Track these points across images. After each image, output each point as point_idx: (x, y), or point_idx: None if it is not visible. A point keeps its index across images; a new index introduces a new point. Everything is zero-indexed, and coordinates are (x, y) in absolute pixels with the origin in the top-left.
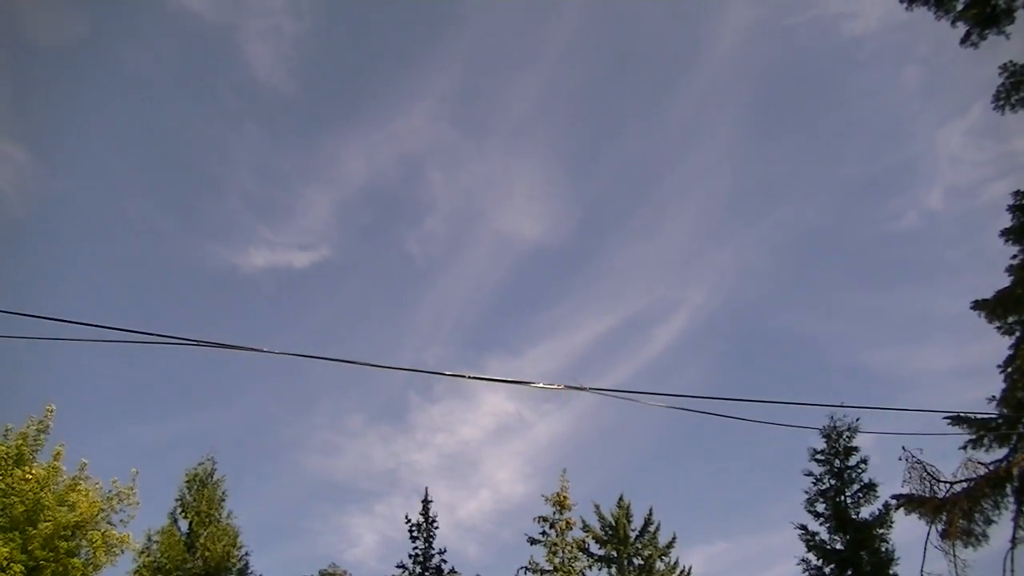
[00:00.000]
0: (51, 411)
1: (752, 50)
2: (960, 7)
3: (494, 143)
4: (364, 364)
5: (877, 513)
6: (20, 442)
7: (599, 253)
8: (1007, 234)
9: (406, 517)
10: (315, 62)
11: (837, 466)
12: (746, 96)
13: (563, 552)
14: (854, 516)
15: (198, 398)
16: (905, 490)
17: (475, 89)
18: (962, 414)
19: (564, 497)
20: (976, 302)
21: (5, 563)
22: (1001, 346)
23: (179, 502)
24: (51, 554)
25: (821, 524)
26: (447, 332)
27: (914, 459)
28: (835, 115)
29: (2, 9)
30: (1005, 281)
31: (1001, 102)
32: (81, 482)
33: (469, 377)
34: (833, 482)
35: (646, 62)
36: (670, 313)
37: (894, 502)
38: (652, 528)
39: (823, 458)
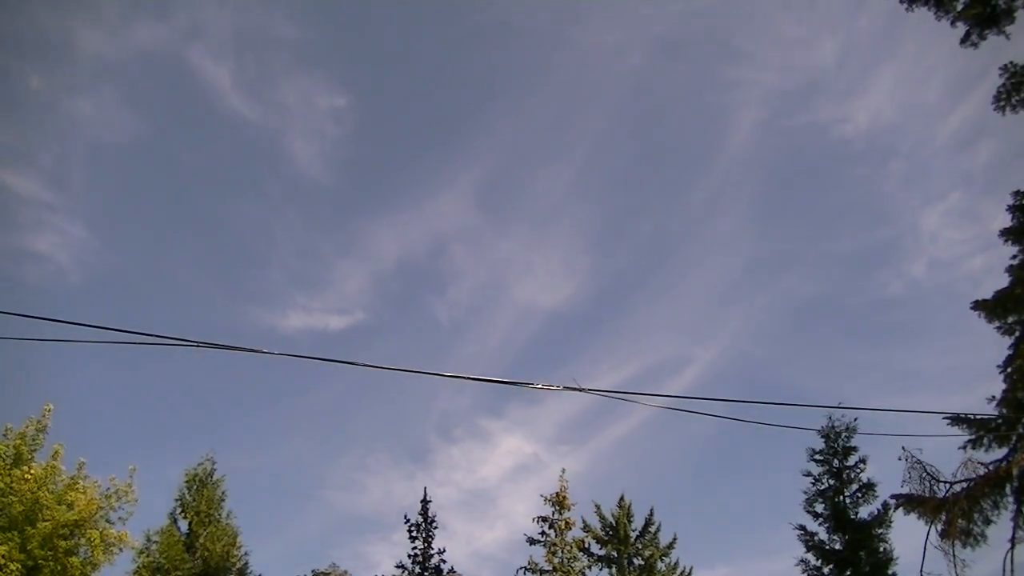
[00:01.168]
0: (49, 410)
1: (761, 145)
2: (960, 7)
3: (519, 227)
4: (364, 365)
5: (876, 513)
6: (19, 442)
7: (617, 315)
8: (1007, 234)
9: (405, 517)
10: (353, 158)
11: (836, 466)
12: (756, 183)
13: (562, 552)
14: (853, 516)
15: (247, 443)
16: (905, 490)
17: (504, 178)
18: (962, 414)
19: (563, 497)
20: (976, 302)
21: (4, 562)
22: (1001, 346)
23: (179, 502)
24: (50, 553)
25: (820, 524)
26: (472, 385)
27: (914, 459)
28: (831, 200)
29: (75, 113)
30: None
31: (1001, 103)
32: (80, 481)
33: (469, 378)
34: (832, 482)
35: (670, 154)
36: (682, 367)
37: (893, 502)
38: (653, 528)
39: (822, 458)
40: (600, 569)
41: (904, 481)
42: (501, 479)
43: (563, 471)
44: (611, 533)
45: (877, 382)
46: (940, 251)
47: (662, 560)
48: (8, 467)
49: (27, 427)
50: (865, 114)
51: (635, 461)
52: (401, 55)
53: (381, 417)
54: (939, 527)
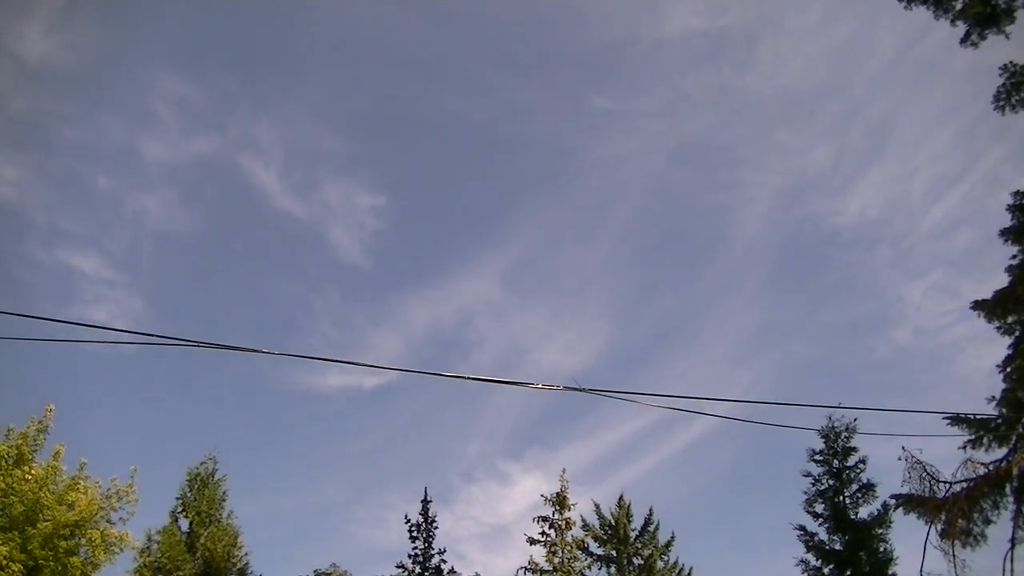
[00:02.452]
0: (50, 411)
1: (766, 232)
2: (959, 6)
3: (541, 304)
4: (363, 364)
5: (876, 513)
6: (20, 442)
7: (635, 373)
8: (1007, 234)
9: (405, 517)
10: (389, 247)
11: (836, 466)
12: (762, 264)
13: (562, 552)
14: (853, 516)
15: (288, 482)
16: (905, 490)
17: (529, 264)
18: (962, 414)
19: (564, 497)
20: (976, 302)
21: (5, 562)
22: (1000, 347)
23: (180, 501)
24: (50, 553)
25: (820, 524)
26: (496, 437)
27: (914, 459)
28: (826, 278)
29: (139, 208)
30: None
31: (1001, 103)
32: (81, 481)
33: (469, 378)
34: (832, 482)
35: (687, 239)
36: (693, 418)
37: (893, 502)
38: (652, 528)
39: (821, 458)
40: (600, 568)
41: (904, 481)
42: (519, 515)
43: (563, 471)
44: (611, 533)
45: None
46: (924, 320)
47: (661, 559)
48: (9, 467)
49: (28, 427)
50: (856, 208)
51: (652, 498)
52: (437, 162)
53: (412, 460)
54: (939, 527)
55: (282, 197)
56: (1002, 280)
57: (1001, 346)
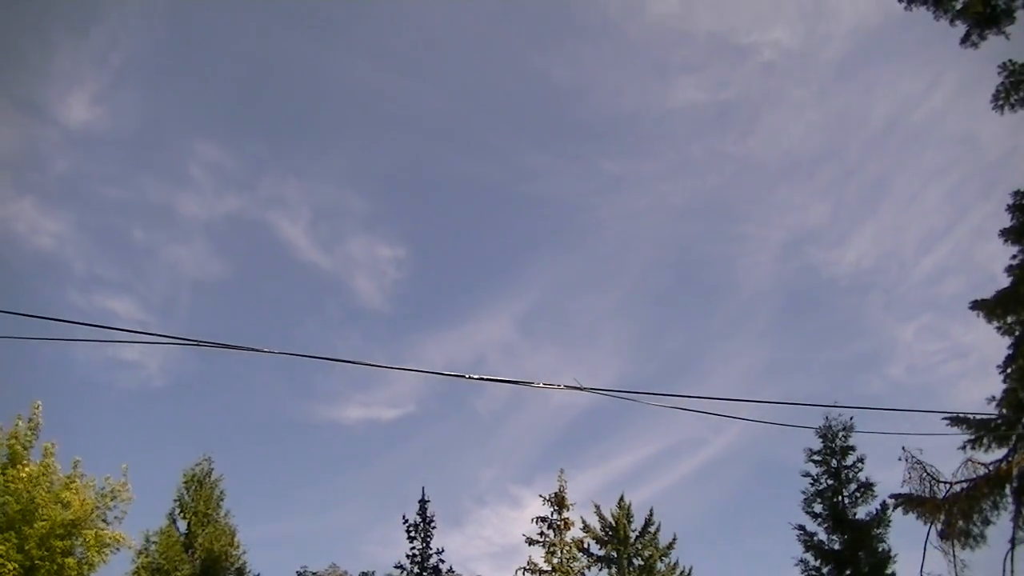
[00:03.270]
0: (38, 407)
1: (769, 280)
2: (959, 6)
3: (554, 344)
4: (363, 364)
5: (874, 513)
6: (13, 441)
7: (642, 406)
8: (1007, 234)
9: (403, 517)
10: (409, 293)
11: (834, 466)
12: (769, 307)
13: (561, 552)
14: (851, 516)
15: (313, 503)
16: (904, 490)
17: (543, 310)
18: (961, 414)
19: (563, 497)
20: (975, 302)
21: (1, 562)
22: (1001, 346)
23: (177, 502)
24: (46, 553)
25: (819, 524)
26: (509, 464)
27: (913, 459)
28: (824, 320)
29: (172, 259)
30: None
31: (1000, 102)
32: (76, 480)
33: (469, 378)
34: (830, 482)
35: (695, 286)
36: (698, 448)
37: (892, 502)
38: (652, 528)
39: (820, 458)
40: (600, 569)
41: (904, 481)
42: (527, 534)
43: (561, 471)
44: (611, 533)
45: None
46: (916, 359)
47: (662, 560)
48: (3, 466)
49: (18, 425)
50: (851, 258)
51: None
52: (454, 218)
53: (428, 485)
54: (939, 527)
55: (308, 250)
56: (984, 330)
57: (1001, 347)
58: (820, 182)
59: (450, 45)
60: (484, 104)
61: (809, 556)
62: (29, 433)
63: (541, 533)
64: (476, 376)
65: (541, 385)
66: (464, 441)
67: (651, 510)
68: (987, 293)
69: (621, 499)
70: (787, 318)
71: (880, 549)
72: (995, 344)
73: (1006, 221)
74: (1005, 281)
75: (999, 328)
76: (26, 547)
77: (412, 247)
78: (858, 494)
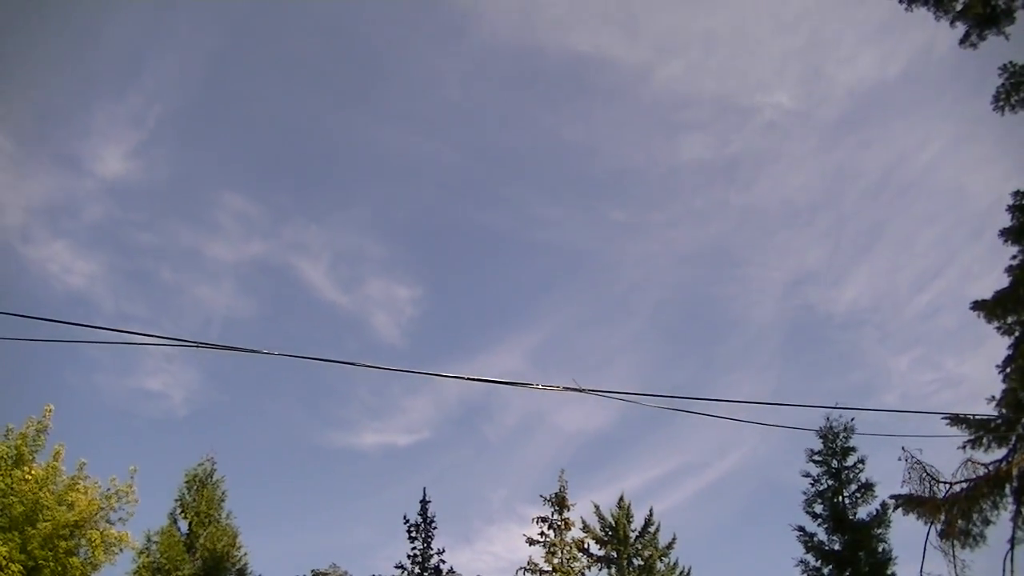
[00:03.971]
0: (50, 411)
1: (776, 314)
2: (959, 7)
3: (564, 378)
4: (363, 365)
5: (875, 513)
6: (20, 442)
7: (650, 433)
8: (1007, 234)
9: (404, 518)
10: (424, 329)
11: (834, 467)
12: (773, 340)
13: (562, 552)
14: (852, 517)
15: (328, 523)
16: (904, 490)
17: (555, 343)
18: (961, 415)
19: (563, 497)
20: (975, 302)
21: (4, 563)
22: (1001, 346)
23: (179, 502)
24: (50, 553)
25: (819, 525)
26: (521, 487)
27: (913, 459)
28: (824, 352)
29: (199, 297)
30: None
31: (1001, 103)
32: (80, 481)
33: (469, 379)
34: (831, 483)
35: (707, 320)
36: (702, 470)
37: (892, 502)
38: (652, 528)
39: (820, 459)
40: (600, 569)
41: (904, 481)
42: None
43: (562, 471)
44: (610, 533)
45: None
46: (909, 388)
47: (661, 560)
48: (9, 467)
49: (28, 427)
50: (848, 297)
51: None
52: (468, 262)
53: (440, 507)
54: (939, 527)
55: (329, 290)
56: (975, 362)
57: (1001, 347)
58: (818, 228)
59: (467, 108)
60: (498, 161)
61: (809, 557)
62: (38, 436)
63: (541, 533)
64: (476, 377)
65: (540, 386)
66: (475, 465)
67: (651, 510)
68: (978, 327)
69: (621, 499)
70: (788, 351)
71: (880, 550)
72: (987, 375)
73: (995, 262)
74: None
75: (999, 328)
76: (29, 547)
77: (428, 287)
78: (858, 495)
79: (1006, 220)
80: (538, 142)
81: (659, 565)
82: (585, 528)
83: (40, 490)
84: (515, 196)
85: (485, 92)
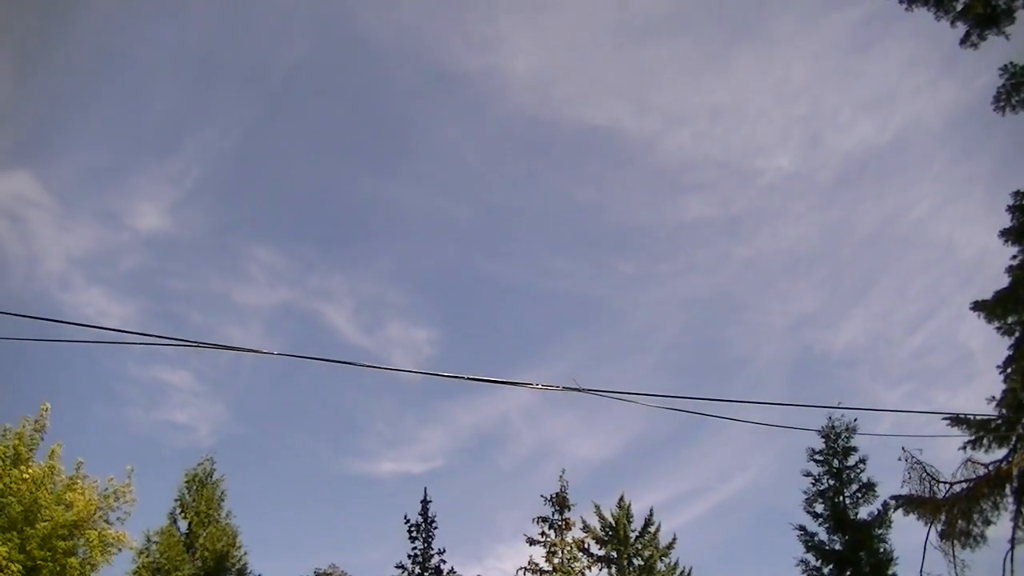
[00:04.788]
0: (47, 410)
1: (777, 356)
2: (960, 7)
3: (574, 411)
4: (363, 365)
5: (876, 513)
6: (17, 442)
7: (654, 461)
8: (1007, 234)
9: (405, 517)
10: (441, 368)
11: (836, 466)
12: (778, 375)
13: (562, 552)
14: (853, 516)
15: (343, 545)
16: (904, 490)
17: (571, 377)
18: (962, 415)
19: (563, 497)
20: (976, 302)
21: (3, 563)
22: (1001, 347)
23: (178, 502)
24: (49, 554)
25: (820, 524)
26: (531, 511)
27: (913, 459)
28: (823, 387)
29: (228, 338)
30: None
31: (1001, 103)
32: (78, 481)
33: (468, 379)
34: (832, 482)
35: (715, 359)
36: (704, 493)
37: (893, 502)
38: (653, 528)
39: (821, 458)
40: (600, 569)
41: (904, 481)
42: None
43: (563, 471)
44: (611, 533)
45: None
46: (901, 417)
47: (662, 560)
48: (7, 467)
49: (24, 427)
50: (844, 339)
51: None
52: (483, 308)
53: (452, 529)
54: (939, 528)
55: (351, 333)
56: (966, 395)
57: (1001, 347)
58: (817, 276)
59: (484, 172)
60: (512, 218)
61: (810, 556)
62: (35, 435)
63: (542, 533)
64: (475, 377)
65: (540, 386)
66: (487, 491)
67: (651, 510)
68: (968, 365)
69: (621, 499)
70: (790, 386)
71: (881, 550)
72: (977, 408)
73: (986, 294)
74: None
75: (999, 328)
76: (28, 547)
77: (445, 330)
78: (859, 494)
79: (992, 271)
80: (551, 202)
81: (659, 565)
82: (585, 528)
83: (38, 490)
84: (528, 250)
85: (502, 158)
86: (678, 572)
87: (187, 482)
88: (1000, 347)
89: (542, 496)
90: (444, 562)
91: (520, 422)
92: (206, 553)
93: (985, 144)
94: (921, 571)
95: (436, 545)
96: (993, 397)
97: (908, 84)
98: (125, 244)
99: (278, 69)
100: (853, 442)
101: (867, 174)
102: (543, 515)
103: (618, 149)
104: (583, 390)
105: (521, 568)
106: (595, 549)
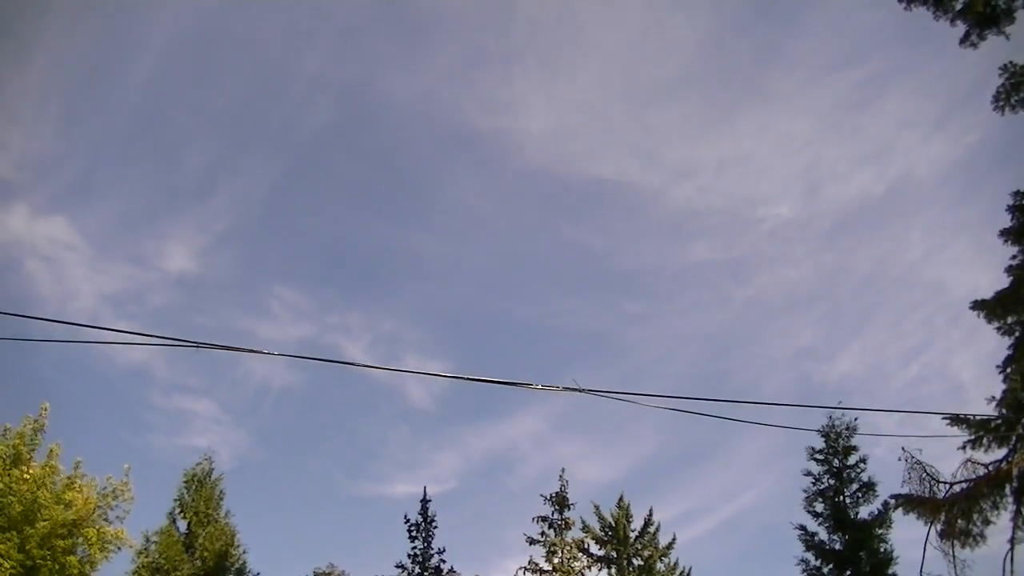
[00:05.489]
0: (46, 409)
1: (778, 386)
2: (960, 7)
3: (583, 436)
4: (363, 366)
5: (876, 513)
6: (17, 442)
7: (658, 484)
8: (1007, 234)
9: (405, 517)
10: (454, 398)
11: (836, 466)
12: (780, 407)
13: (562, 552)
14: (853, 516)
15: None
16: (904, 490)
17: (576, 409)
18: (961, 415)
19: (563, 497)
20: (976, 302)
21: (2, 562)
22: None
23: (177, 502)
24: (48, 552)
25: (820, 524)
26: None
27: (913, 459)
28: (822, 414)
29: (250, 368)
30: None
31: (1001, 103)
32: (77, 480)
33: (469, 379)
34: (832, 482)
35: (721, 390)
36: (706, 513)
37: (893, 502)
38: (652, 528)
39: (822, 458)
40: (599, 569)
41: (904, 481)
42: None
43: (562, 471)
44: (610, 533)
45: None
46: (896, 441)
47: (661, 560)
48: (7, 467)
49: (24, 426)
50: (840, 371)
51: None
52: (495, 342)
53: (464, 546)
54: (939, 527)
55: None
56: None
57: (1001, 347)
58: (815, 314)
59: (498, 221)
60: (523, 262)
61: (810, 556)
62: (34, 435)
63: (542, 533)
64: (474, 377)
65: (540, 387)
66: (497, 511)
67: (650, 510)
68: (959, 397)
69: (621, 499)
70: (791, 415)
71: (881, 549)
72: (978, 409)
73: (972, 342)
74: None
75: (999, 328)
76: (27, 547)
77: (458, 362)
78: (860, 494)
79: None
80: (561, 248)
81: (659, 565)
82: (585, 528)
83: (38, 489)
84: (538, 291)
85: (515, 209)
86: (678, 572)
87: (186, 482)
88: (998, 351)
89: (542, 495)
90: (444, 562)
91: (529, 447)
92: (205, 553)
93: (973, 195)
94: (921, 571)
95: (436, 545)
96: (993, 397)
97: (903, 139)
98: (154, 283)
99: (305, 130)
100: (853, 441)
101: (863, 221)
102: (543, 515)
103: (626, 200)
104: (583, 390)
105: (521, 568)
106: (595, 549)
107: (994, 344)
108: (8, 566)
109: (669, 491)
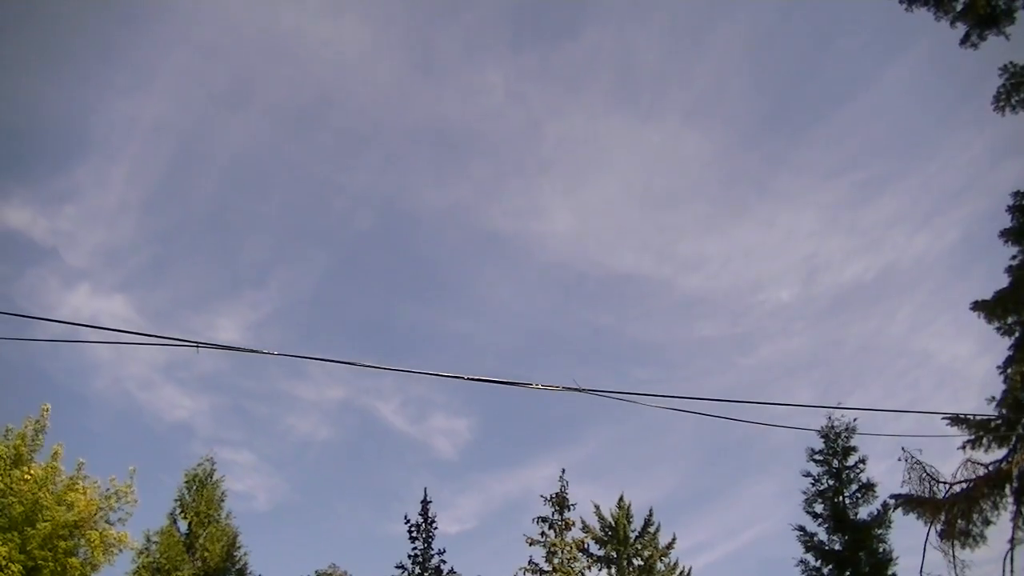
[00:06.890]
0: (47, 410)
1: (781, 439)
2: (960, 7)
3: (596, 481)
4: (363, 365)
5: (876, 513)
6: (19, 442)
7: (677, 516)
8: (1007, 235)
9: (405, 517)
10: (475, 449)
11: (835, 466)
12: (784, 452)
13: (562, 553)
14: (852, 516)
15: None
16: (904, 490)
17: (592, 459)
18: (961, 415)
19: (563, 497)
20: (976, 302)
21: (4, 563)
22: (1001, 347)
23: (178, 502)
24: (49, 554)
25: (819, 524)
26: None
27: (913, 459)
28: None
29: (290, 424)
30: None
31: (1001, 103)
32: (79, 481)
33: (467, 378)
34: (831, 482)
35: (731, 439)
36: (708, 548)
37: (892, 502)
38: (652, 529)
39: (821, 458)
40: (599, 569)
41: (904, 481)
42: None
43: (563, 471)
44: (610, 533)
45: None
46: (895, 481)
47: (661, 560)
48: (8, 468)
49: (26, 427)
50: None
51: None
52: (519, 404)
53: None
54: (939, 527)
55: (399, 423)
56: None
57: (1001, 347)
58: (812, 377)
59: (519, 306)
60: (541, 338)
61: (809, 556)
62: (37, 436)
63: (542, 533)
64: (474, 377)
65: (540, 386)
66: (513, 549)
67: (651, 510)
68: (946, 441)
69: (621, 499)
70: (792, 459)
71: (881, 550)
72: (978, 408)
73: (958, 401)
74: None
75: (999, 328)
76: (29, 547)
77: (482, 418)
78: (859, 494)
79: (966, 372)
80: (576, 327)
81: (659, 565)
82: (585, 528)
83: (39, 490)
84: (554, 361)
85: (536, 295)
86: (678, 572)
87: (187, 482)
88: (980, 407)
89: (542, 496)
90: (444, 562)
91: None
92: (206, 553)
93: (954, 281)
94: (921, 571)
95: (436, 545)
96: (993, 397)
97: (892, 234)
98: (203, 351)
99: (349, 233)
100: (852, 442)
101: (856, 302)
102: (543, 515)
103: (639, 288)
104: (583, 390)
105: (521, 568)
106: (595, 549)
107: (977, 403)
108: (14, 569)
109: (680, 527)
